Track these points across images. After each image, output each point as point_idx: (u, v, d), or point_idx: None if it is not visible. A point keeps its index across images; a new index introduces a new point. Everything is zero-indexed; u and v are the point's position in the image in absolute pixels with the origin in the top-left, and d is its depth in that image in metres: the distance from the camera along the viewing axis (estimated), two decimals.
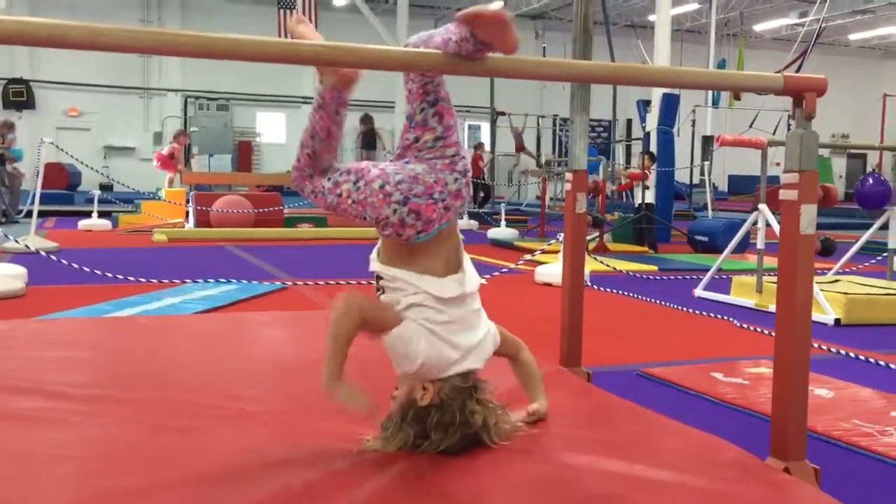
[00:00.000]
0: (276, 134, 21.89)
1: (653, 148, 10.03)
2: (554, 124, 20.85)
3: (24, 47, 18.71)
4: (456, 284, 1.76)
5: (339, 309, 1.69)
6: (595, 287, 5.68)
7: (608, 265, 6.60)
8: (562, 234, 6.03)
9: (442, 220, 1.74)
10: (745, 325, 4.38)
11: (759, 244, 5.20)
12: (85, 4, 18.53)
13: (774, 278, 5.37)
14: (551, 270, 5.92)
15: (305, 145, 1.88)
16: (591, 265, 5.98)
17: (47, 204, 10.98)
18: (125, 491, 1.50)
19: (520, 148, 19.17)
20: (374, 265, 1.81)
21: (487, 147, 16.47)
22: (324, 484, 1.56)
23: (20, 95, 19.15)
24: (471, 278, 1.82)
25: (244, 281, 5.51)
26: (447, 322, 1.74)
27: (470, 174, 1.86)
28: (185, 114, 20.49)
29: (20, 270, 5.23)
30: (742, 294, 5.22)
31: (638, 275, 6.54)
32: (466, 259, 1.85)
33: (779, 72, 2.12)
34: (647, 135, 10.49)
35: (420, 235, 1.72)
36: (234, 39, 1.57)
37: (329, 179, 1.83)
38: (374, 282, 1.82)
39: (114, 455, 1.69)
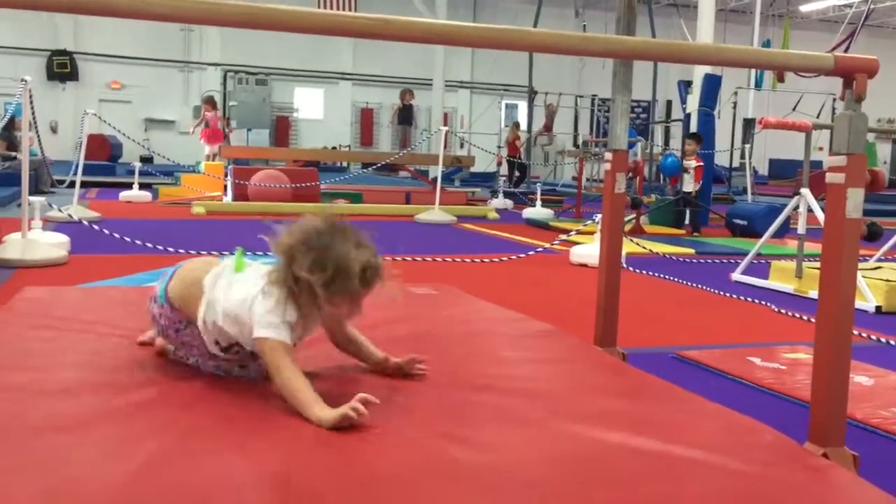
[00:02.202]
0: (314, 109, 21.98)
1: (693, 129, 9.88)
2: (592, 104, 20.63)
3: (68, 19, 19.04)
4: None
5: (267, 359, 1.82)
6: (631, 269, 5.64)
7: (644, 247, 6.54)
8: (598, 216, 5.98)
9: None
10: (783, 311, 4.32)
11: (801, 229, 5.12)
12: None
13: (815, 264, 5.30)
14: (587, 251, 5.89)
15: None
16: (628, 247, 5.92)
17: (90, 175, 11.14)
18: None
19: (548, 127, 19.00)
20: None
21: (524, 126, 16.35)
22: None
23: (64, 67, 19.41)
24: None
25: None
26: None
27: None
28: (225, 88, 20.60)
29: (63, 239, 5.34)
30: (781, 279, 5.15)
31: (674, 257, 6.48)
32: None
33: (834, 48, 2.08)
34: (688, 116, 10.34)
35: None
36: (282, 10, 1.57)
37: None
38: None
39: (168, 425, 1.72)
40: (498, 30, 1.81)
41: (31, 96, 5.50)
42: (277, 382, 1.80)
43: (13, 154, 10.67)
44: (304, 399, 1.74)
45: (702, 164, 8.89)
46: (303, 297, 1.83)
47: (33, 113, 5.71)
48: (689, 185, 8.75)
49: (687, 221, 8.88)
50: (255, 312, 1.84)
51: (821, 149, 18.12)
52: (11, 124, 10.21)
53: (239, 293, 1.91)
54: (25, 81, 5.42)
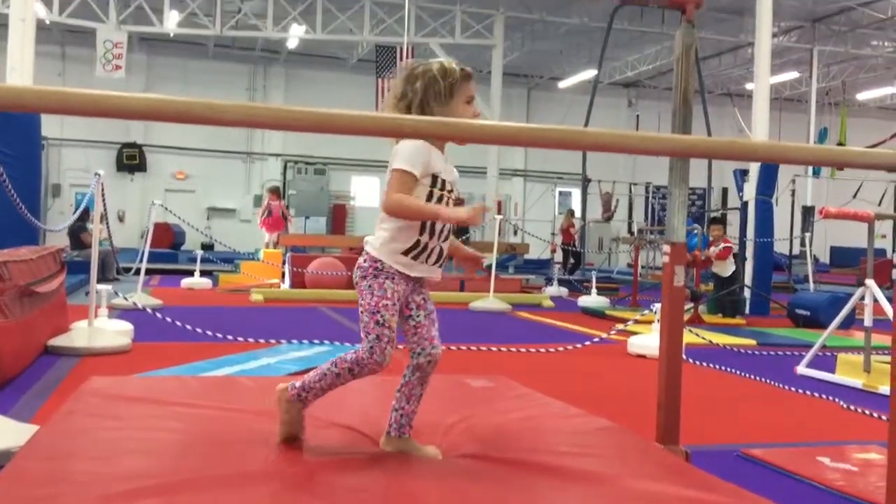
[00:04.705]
0: (370, 198, 22.42)
1: (751, 218, 9.80)
2: (647, 191, 20.65)
3: None
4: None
5: (390, 185, 2.20)
6: (690, 360, 5.53)
7: (704, 338, 6.42)
8: (656, 305, 5.89)
9: None
10: (851, 407, 4.17)
11: (867, 321, 4.97)
12: (196, 75, 19.58)
13: (883, 357, 5.12)
14: (645, 342, 5.81)
15: None
16: (687, 338, 5.82)
17: (153, 262, 11.46)
18: None
19: (608, 217, 19.02)
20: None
21: (578, 214, 16.42)
22: None
23: (133, 159, 20.26)
24: None
25: (337, 343, 5.60)
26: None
27: None
28: (284, 177, 21.21)
29: (127, 327, 5.47)
30: (848, 373, 4.98)
31: (735, 349, 6.34)
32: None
33: (877, 144, 2.06)
34: (745, 204, 10.27)
35: None
36: (350, 115, 1.64)
37: None
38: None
39: None
40: (557, 130, 1.85)
41: (102, 189, 5.73)
42: (389, 201, 2.16)
43: (87, 245, 11.11)
44: (428, 209, 2.15)
45: (730, 245, 8.87)
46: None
47: (104, 205, 5.94)
48: (726, 269, 8.76)
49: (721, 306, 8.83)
50: (395, 152, 2.20)
51: (883, 236, 17.75)
52: (85, 215, 10.64)
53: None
54: (99, 175, 5.67)
